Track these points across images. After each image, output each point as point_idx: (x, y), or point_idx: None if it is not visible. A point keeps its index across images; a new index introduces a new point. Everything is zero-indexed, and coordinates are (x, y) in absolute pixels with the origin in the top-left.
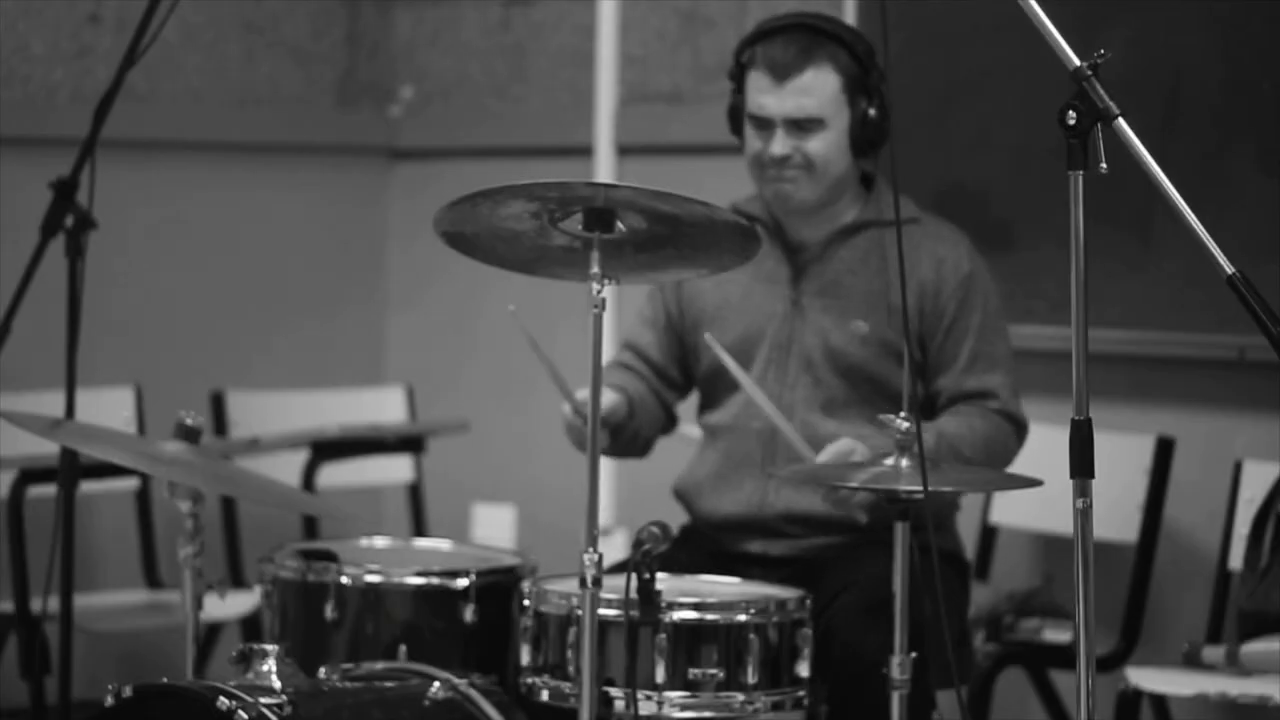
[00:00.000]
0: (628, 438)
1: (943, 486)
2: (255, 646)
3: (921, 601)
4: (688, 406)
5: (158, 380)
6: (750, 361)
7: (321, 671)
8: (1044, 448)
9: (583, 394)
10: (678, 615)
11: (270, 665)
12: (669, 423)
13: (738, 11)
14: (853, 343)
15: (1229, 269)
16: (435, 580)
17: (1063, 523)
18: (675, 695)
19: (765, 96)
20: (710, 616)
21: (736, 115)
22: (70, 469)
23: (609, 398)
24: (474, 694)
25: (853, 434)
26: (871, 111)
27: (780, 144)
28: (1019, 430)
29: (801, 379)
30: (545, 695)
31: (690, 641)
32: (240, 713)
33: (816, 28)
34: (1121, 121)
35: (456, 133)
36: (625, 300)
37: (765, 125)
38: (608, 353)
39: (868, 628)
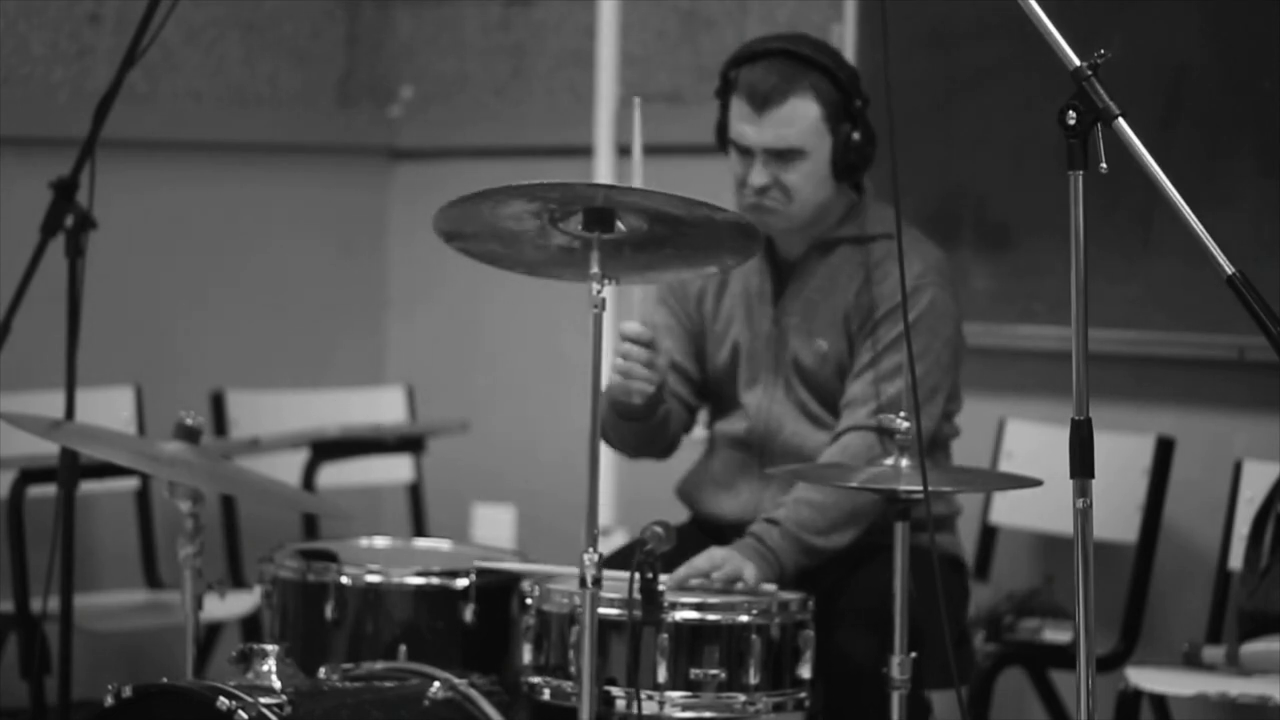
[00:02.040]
0: (658, 422)
1: (942, 487)
2: (255, 646)
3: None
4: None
5: (158, 380)
6: (747, 374)
7: (321, 671)
8: (1044, 447)
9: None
10: (680, 615)
11: (270, 665)
12: (690, 421)
13: (738, 11)
14: (816, 360)
15: (1229, 269)
16: (435, 580)
17: (1063, 523)
18: (677, 695)
19: (745, 125)
20: (712, 617)
21: (723, 132)
22: (70, 469)
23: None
24: (474, 694)
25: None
26: (855, 136)
27: (759, 174)
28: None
29: (788, 394)
30: (546, 694)
31: (692, 641)
32: (240, 713)
33: (799, 55)
34: (1121, 121)
35: (456, 133)
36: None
37: (746, 153)
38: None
39: (866, 632)
